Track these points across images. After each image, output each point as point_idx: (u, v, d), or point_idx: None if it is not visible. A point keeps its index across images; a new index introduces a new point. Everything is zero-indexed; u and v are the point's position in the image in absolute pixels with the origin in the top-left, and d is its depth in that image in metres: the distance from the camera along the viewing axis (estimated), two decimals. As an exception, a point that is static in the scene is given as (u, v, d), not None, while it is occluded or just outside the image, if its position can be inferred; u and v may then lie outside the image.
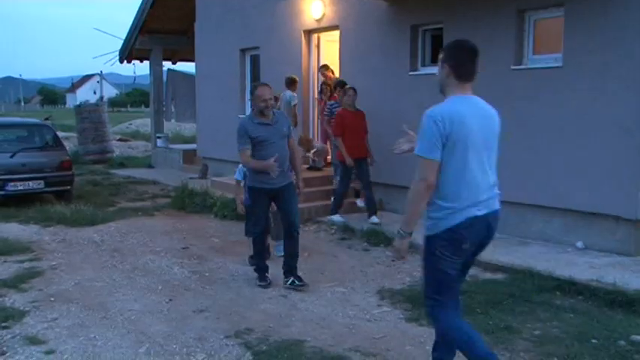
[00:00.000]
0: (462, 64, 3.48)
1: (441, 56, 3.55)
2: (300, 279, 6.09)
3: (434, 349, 3.90)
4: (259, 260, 6.33)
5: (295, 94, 10.47)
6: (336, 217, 8.71)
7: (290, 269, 6.14)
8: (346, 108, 8.72)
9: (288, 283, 6.08)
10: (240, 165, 6.78)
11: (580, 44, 6.99)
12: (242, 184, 6.78)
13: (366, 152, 8.72)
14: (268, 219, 6.66)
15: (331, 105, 9.60)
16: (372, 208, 8.63)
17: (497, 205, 3.59)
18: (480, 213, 3.45)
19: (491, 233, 3.60)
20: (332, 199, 9.02)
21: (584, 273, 6.06)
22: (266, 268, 6.30)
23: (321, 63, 11.17)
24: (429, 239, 3.51)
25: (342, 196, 8.85)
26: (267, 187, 6.03)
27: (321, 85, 10.57)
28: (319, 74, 10.84)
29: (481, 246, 3.63)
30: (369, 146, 8.74)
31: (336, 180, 9.05)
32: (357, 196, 9.48)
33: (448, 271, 3.52)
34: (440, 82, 3.57)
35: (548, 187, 7.37)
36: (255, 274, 6.28)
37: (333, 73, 10.60)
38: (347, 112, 8.67)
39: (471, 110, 3.47)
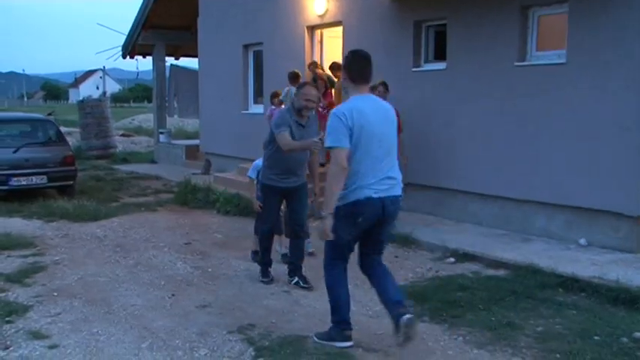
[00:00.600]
0: (356, 70, 4.31)
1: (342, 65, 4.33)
2: (305, 280, 6.02)
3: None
4: (265, 256, 6.24)
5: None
6: None
7: (295, 269, 6.11)
8: None
9: (293, 282, 6.06)
10: (255, 162, 6.68)
11: (584, 41, 6.98)
12: (256, 181, 6.61)
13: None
14: (279, 217, 6.52)
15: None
16: None
17: (395, 192, 4.33)
18: (375, 195, 4.21)
19: (388, 215, 4.33)
20: None
21: (586, 270, 6.06)
22: (270, 263, 6.27)
23: (324, 59, 11.17)
24: (336, 209, 4.23)
25: None
26: (281, 185, 5.92)
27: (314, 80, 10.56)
28: (311, 72, 10.69)
29: (380, 224, 4.35)
30: (403, 147, 7.82)
31: None
32: None
33: (343, 236, 4.31)
34: (343, 87, 4.25)
35: (551, 184, 7.36)
36: (258, 270, 6.28)
37: (323, 69, 10.58)
38: None
39: (369, 106, 4.28)
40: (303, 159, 5.94)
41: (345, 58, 4.45)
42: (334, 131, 4.17)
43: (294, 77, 10.32)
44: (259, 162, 6.51)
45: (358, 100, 4.29)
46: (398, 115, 7.71)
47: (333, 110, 4.25)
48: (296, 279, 6.06)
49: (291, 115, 5.77)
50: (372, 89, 8.42)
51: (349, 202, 4.22)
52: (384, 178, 4.26)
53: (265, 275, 6.19)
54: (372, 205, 4.22)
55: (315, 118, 6.10)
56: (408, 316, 4.16)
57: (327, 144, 4.20)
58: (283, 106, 10.13)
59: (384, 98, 8.09)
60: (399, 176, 4.38)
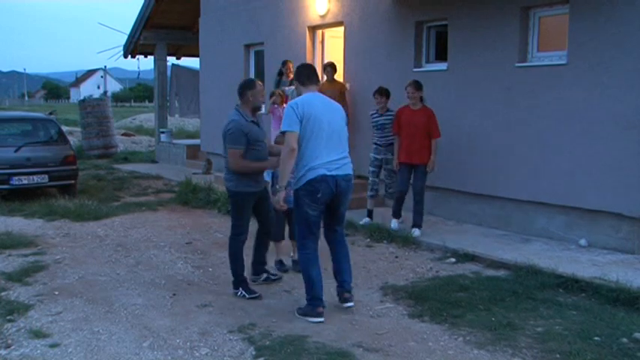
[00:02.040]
0: (305, 76, 5.31)
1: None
2: (274, 274, 6.22)
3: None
4: (240, 268, 5.80)
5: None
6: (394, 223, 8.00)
7: (263, 266, 6.17)
8: (408, 105, 7.84)
9: (262, 279, 6.09)
10: None
11: (585, 42, 6.98)
12: (270, 185, 6.29)
13: (417, 158, 7.68)
14: (280, 223, 6.48)
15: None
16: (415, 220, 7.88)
17: (346, 170, 5.18)
18: (329, 173, 5.02)
19: (342, 190, 5.13)
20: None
21: (587, 270, 6.07)
22: (245, 279, 5.85)
23: (325, 59, 11.17)
24: (295, 191, 5.10)
25: (397, 199, 7.98)
26: (254, 190, 5.72)
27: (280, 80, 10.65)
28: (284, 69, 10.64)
29: (337, 197, 5.13)
30: (433, 151, 7.69)
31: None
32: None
33: (309, 212, 5.07)
34: (297, 90, 5.44)
35: (552, 184, 7.37)
36: (241, 289, 5.79)
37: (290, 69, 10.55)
38: (404, 110, 7.85)
39: (317, 99, 5.18)
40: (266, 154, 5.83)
41: (295, 70, 5.52)
42: (287, 118, 5.05)
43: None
44: None
45: (308, 95, 5.22)
46: (433, 116, 7.69)
47: (289, 102, 5.31)
48: (265, 275, 6.13)
49: (246, 117, 5.64)
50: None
51: (306, 182, 5.02)
52: (335, 159, 5.09)
53: (251, 292, 5.72)
54: (326, 182, 5.02)
55: (261, 116, 6.12)
56: (349, 304, 5.25)
57: (282, 129, 5.10)
58: (284, 106, 10.14)
59: (416, 98, 7.70)
60: (348, 158, 5.24)
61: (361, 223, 8.25)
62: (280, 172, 5.14)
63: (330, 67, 9.91)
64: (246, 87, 5.73)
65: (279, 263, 6.58)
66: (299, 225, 5.19)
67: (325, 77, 9.83)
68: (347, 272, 5.35)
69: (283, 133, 5.09)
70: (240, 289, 5.73)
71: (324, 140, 5.04)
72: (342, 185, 5.12)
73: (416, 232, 7.66)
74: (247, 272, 5.92)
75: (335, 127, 5.15)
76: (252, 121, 5.69)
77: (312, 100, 5.15)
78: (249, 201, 5.75)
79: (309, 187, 5.02)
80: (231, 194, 5.79)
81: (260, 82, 5.92)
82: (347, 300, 5.27)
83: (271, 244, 6.40)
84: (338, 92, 9.42)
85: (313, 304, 5.12)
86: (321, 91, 5.54)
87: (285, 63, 10.61)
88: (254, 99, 5.69)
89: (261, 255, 6.17)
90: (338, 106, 5.35)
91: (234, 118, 5.63)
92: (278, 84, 10.86)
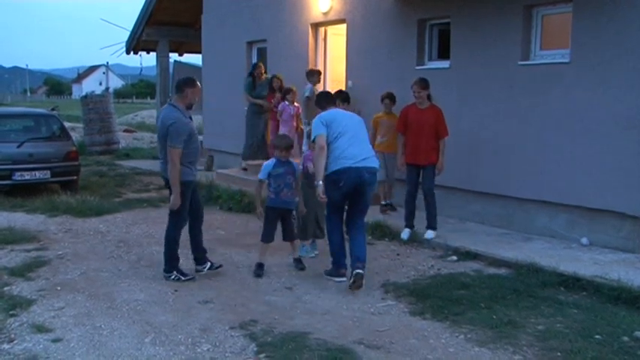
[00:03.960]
0: (325, 102, 6.39)
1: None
2: (216, 263, 6.41)
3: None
4: (176, 252, 6.19)
5: (310, 86, 10.27)
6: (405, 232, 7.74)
7: (204, 254, 6.40)
8: (414, 103, 7.63)
9: (207, 269, 6.29)
10: (267, 162, 6.50)
11: (588, 40, 6.98)
12: (267, 184, 6.46)
13: (424, 159, 7.46)
14: (291, 223, 6.67)
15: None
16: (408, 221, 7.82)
17: (371, 164, 5.97)
18: (353, 165, 5.84)
19: (365, 180, 5.92)
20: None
21: (588, 269, 6.07)
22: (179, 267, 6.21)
23: (328, 57, 11.19)
24: (325, 177, 5.93)
25: (406, 202, 7.73)
26: (194, 179, 6.18)
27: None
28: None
29: (361, 187, 5.93)
30: (441, 151, 7.49)
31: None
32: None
33: (333, 196, 5.97)
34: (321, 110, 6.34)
35: (554, 182, 7.37)
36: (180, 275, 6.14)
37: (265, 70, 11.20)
38: (411, 108, 7.65)
39: (337, 112, 6.26)
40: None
41: (317, 97, 6.77)
42: (315, 128, 6.03)
43: (310, 74, 10.26)
44: (270, 163, 6.46)
45: (330, 111, 6.27)
46: (441, 115, 7.53)
47: (316, 116, 6.22)
48: (208, 264, 6.34)
49: (184, 113, 6.00)
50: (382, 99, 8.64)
51: (332, 172, 5.90)
52: (360, 154, 5.92)
53: (186, 274, 6.14)
54: (349, 173, 5.85)
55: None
56: (358, 270, 5.78)
57: (312, 136, 6.04)
58: (295, 104, 10.14)
59: (422, 97, 7.49)
60: (373, 155, 6.09)
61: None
62: (315, 169, 6.04)
63: (389, 99, 8.82)
64: (187, 84, 6.04)
65: (298, 261, 6.56)
66: (327, 205, 6.17)
67: (384, 108, 8.89)
68: (361, 251, 5.95)
69: (314, 141, 6.02)
70: (175, 272, 6.11)
71: (348, 139, 5.92)
72: (365, 176, 5.90)
73: (430, 234, 7.47)
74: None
75: (356, 131, 6.06)
76: (190, 117, 6.09)
77: (333, 112, 6.23)
78: (190, 189, 6.11)
79: (333, 175, 5.89)
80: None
81: (199, 84, 6.22)
82: (357, 268, 5.82)
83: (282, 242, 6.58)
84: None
85: (337, 266, 6.16)
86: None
87: (273, 77, 10.95)
88: (192, 96, 6.05)
89: (199, 243, 6.39)
90: (356, 116, 6.38)
91: (175, 115, 5.92)
92: (252, 86, 11.14)
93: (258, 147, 11.24)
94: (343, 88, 9.60)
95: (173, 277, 6.07)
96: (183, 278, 6.05)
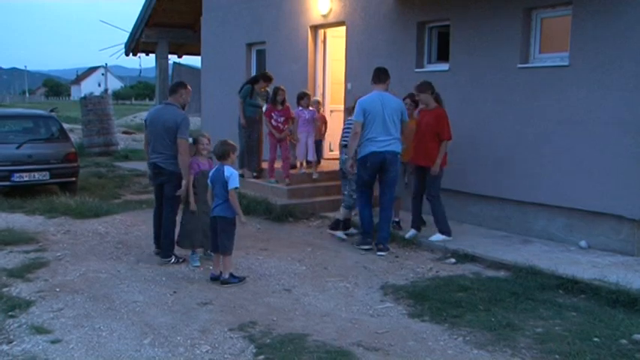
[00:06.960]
0: (376, 76, 7.35)
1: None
2: (180, 256, 6.77)
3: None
4: (172, 243, 6.84)
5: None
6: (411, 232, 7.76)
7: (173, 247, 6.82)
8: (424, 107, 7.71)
9: (172, 261, 6.67)
10: (235, 172, 6.30)
11: (587, 43, 7.00)
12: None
13: (423, 160, 7.48)
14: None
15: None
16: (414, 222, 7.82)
17: (393, 148, 7.14)
18: (378, 150, 7.08)
19: (388, 161, 7.12)
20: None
21: (587, 272, 6.08)
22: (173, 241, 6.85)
23: (327, 59, 11.19)
24: (358, 160, 7.25)
25: (412, 201, 7.80)
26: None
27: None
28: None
29: (385, 166, 7.14)
30: (444, 154, 7.45)
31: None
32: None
33: (362, 176, 7.28)
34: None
35: (553, 185, 7.38)
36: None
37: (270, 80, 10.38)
38: (421, 111, 7.76)
39: (377, 97, 7.18)
40: None
41: (374, 71, 7.45)
42: (357, 112, 7.16)
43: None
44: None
45: (373, 94, 7.24)
46: (443, 117, 7.45)
47: (360, 99, 7.32)
48: (173, 258, 6.75)
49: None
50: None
51: (362, 156, 7.17)
52: (385, 140, 7.07)
53: (179, 257, 6.82)
54: (375, 156, 7.09)
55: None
56: (380, 253, 7.07)
57: (353, 118, 7.23)
58: (310, 109, 9.89)
59: (421, 101, 7.65)
60: (397, 140, 7.16)
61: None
62: (349, 147, 7.34)
63: (410, 99, 8.24)
64: (180, 86, 6.85)
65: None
66: (357, 183, 7.39)
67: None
68: (385, 230, 7.22)
69: (354, 121, 7.18)
70: (173, 256, 6.72)
71: (379, 126, 7.04)
72: (387, 158, 7.09)
73: (437, 237, 7.45)
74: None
75: (388, 117, 7.07)
76: None
77: (374, 97, 7.16)
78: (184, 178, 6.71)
79: (363, 159, 7.17)
80: (177, 175, 6.71)
81: (189, 86, 6.88)
82: (380, 250, 7.10)
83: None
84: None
85: (364, 236, 7.33)
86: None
87: (278, 90, 9.78)
88: (186, 96, 6.82)
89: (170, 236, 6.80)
90: (396, 100, 7.27)
91: (181, 112, 6.73)
92: (251, 93, 10.14)
93: (242, 155, 10.26)
94: (342, 91, 9.59)
95: (173, 260, 6.70)
96: (181, 260, 6.70)
